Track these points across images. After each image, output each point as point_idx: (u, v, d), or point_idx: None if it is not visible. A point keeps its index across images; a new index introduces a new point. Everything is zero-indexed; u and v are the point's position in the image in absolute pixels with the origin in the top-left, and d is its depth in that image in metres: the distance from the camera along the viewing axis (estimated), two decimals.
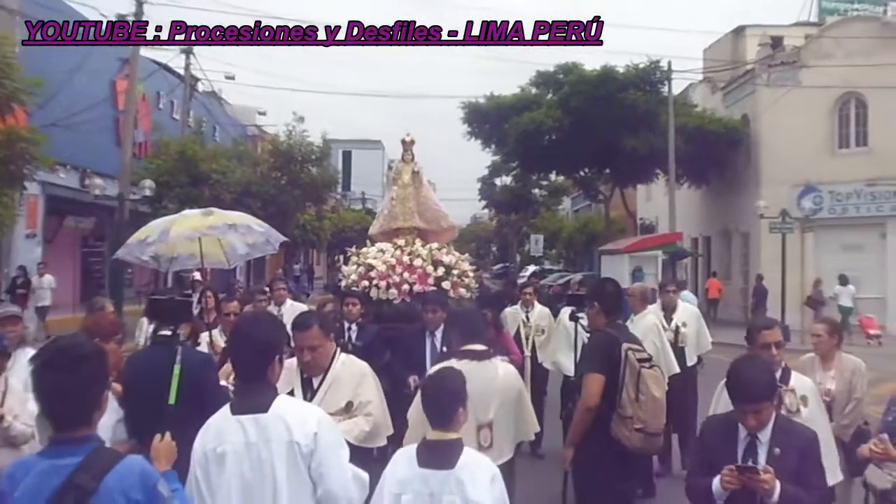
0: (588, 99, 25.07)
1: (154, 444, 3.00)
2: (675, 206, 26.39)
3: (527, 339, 8.42)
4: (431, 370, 4.07)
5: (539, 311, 8.72)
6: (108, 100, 22.94)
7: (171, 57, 24.59)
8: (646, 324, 7.04)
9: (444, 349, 5.98)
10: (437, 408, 3.16)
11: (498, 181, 48.92)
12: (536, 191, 48.71)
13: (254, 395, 2.86)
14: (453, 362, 4.13)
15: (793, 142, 23.29)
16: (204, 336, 4.92)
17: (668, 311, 7.68)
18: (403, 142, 8.68)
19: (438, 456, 3.06)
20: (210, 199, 19.73)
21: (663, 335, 7.22)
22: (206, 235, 5.18)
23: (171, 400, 3.37)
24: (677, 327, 7.57)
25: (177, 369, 3.43)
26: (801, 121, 23.25)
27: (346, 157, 66.42)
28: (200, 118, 28.76)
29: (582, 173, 31.51)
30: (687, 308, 7.93)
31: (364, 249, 8.16)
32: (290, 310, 7.49)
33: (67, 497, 2.29)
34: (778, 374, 4.05)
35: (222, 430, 2.84)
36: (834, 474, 4.14)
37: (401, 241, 8.05)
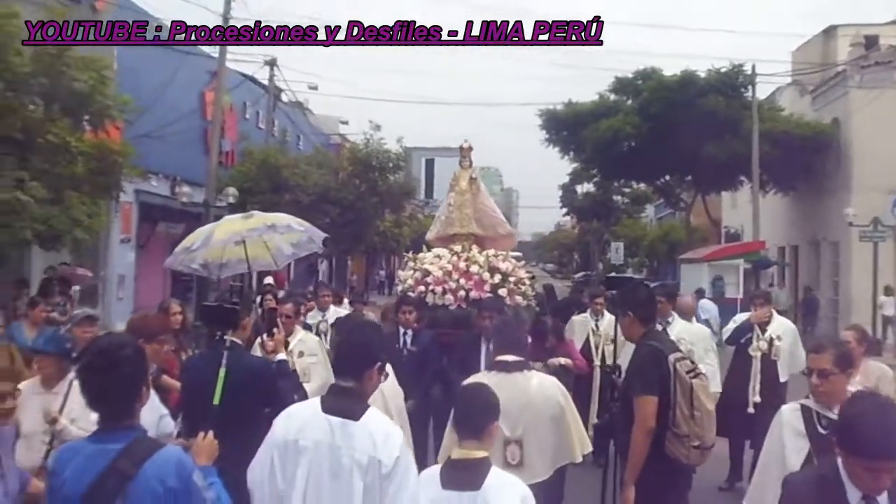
0: (668, 105, 24.66)
1: (196, 441, 3.15)
2: (760, 214, 25.57)
3: (597, 348, 8.17)
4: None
5: (609, 319, 8.46)
6: (197, 111, 23.96)
7: (256, 69, 25.42)
8: None
9: None
10: (470, 420, 3.02)
11: (579, 188, 48.55)
12: (618, 198, 48.09)
13: (347, 399, 2.92)
14: (483, 374, 4.07)
15: (886, 146, 22.16)
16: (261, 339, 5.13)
17: (762, 323, 7.46)
18: (461, 148, 8.72)
19: (463, 476, 2.91)
20: (289, 204, 20.34)
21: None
22: (247, 238, 5.36)
23: (216, 401, 3.53)
24: (771, 339, 7.37)
25: (222, 372, 3.60)
26: None
27: (429, 164, 67.04)
28: (285, 128, 29.69)
29: (662, 180, 30.93)
30: (783, 322, 7.69)
31: (420, 255, 8.19)
32: (334, 315, 7.73)
33: (109, 480, 2.50)
34: (835, 411, 3.30)
35: (309, 423, 2.89)
36: None
37: (457, 247, 8.03)
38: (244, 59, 34.34)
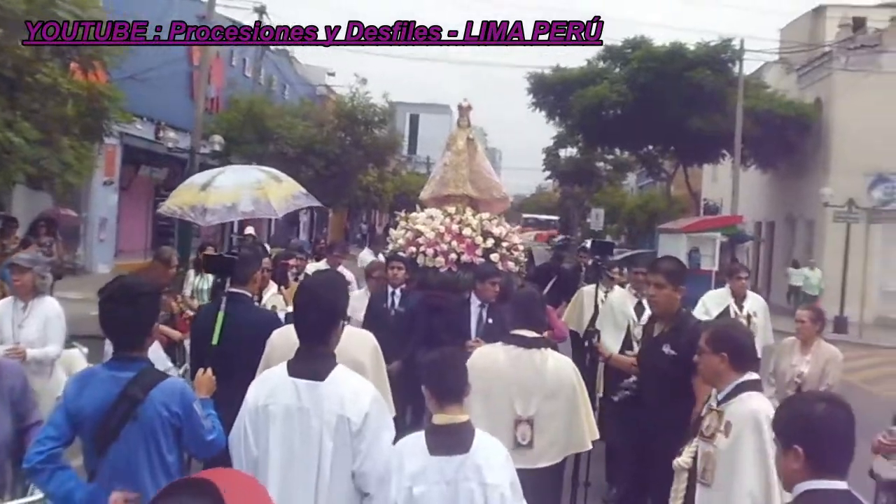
0: (655, 75, 24.75)
1: (197, 376, 3.44)
2: (739, 189, 25.93)
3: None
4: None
5: (621, 292, 7.70)
6: (184, 56, 23.68)
7: (245, 16, 25.09)
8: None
9: (490, 321, 5.92)
10: (452, 384, 2.97)
11: (563, 152, 48.57)
12: (601, 164, 48.28)
13: (313, 360, 2.89)
14: (499, 346, 3.98)
15: (867, 129, 22.48)
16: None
17: (739, 298, 7.36)
18: (460, 107, 8.43)
19: (452, 441, 2.89)
20: (274, 155, 20.30)
21: None
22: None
23: (214, 341, 3.79)
24: (749, 316, 7.22)
25: (220, 315, 3.85)
26: (878, 107, 22.39)
27: (414, 120, 66.46)
28: (271, 76, 29.41)
29: (646, 150, 31.16)
30: (757, 299, 7.68)
31: (413, 214, 7.92)
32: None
33: (122, 403, 2.82)
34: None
35: (276, 388, 2.87)
36: None
37: (451, 209, 7.73)
38: (233, 6, 33.37)
